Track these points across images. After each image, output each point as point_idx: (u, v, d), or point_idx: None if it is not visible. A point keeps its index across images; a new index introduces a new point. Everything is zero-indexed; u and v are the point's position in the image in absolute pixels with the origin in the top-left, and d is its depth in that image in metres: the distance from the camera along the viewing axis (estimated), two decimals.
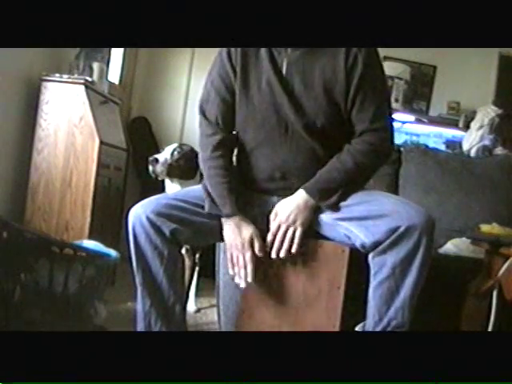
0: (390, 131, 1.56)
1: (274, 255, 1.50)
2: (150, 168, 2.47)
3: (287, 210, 1.50)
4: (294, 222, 1.50)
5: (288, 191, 1.54)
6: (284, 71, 1.53)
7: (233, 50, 1.56)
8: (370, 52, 1.52)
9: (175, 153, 2.50)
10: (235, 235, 1.51)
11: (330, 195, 1.50)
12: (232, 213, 1.51)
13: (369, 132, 1.52)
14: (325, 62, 1.51)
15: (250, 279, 1.51)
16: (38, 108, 2.70)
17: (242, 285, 1.52)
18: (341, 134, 1.54)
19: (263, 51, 1.55)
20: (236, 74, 1.56)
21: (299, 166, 1.54)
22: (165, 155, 2.49)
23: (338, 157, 1.52)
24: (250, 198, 1.59)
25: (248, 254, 1.51)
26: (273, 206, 1.55)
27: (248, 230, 1.51)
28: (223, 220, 1.54)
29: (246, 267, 1.51)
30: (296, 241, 1.49)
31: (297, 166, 1.54)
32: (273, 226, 1.51)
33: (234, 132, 1.63)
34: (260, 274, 1.55)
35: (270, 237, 1.51)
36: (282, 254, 1.50)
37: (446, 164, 2.74)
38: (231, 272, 1.54)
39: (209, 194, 1.54)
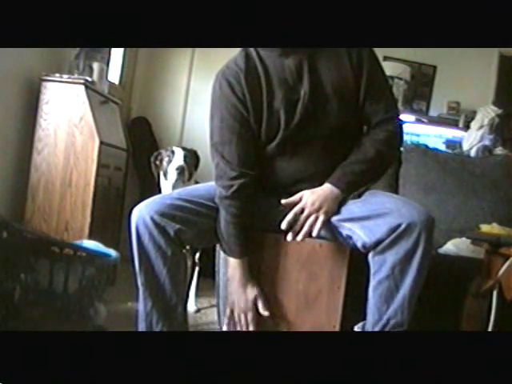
0: (400, 120, 1.59)
1: (290, 238, 1.47)
2: (177, 176, 2.60)
3: (314, 196, 1.48)
4: (319, 209, 1.47)
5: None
6: (291, 81, 1.51)
7: (232, 80, 1.52)
8: (371, 49, 1.55)
9: (187, 159, 2.65)
10: (239, 295, 1.55)
11: (356, 187, 1.52)
12: (239, 255, 1.53)
13: (385, 121, 1.55)
14: (329, 65, 1.52)
15: None
16: (38, 108, 2.70)
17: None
18: (353, 134, 1.57)
19: (264, 67, 1.52)
20: (246, 101, 1.51)
21: (317, 171, 1.54)
22: (178, 162, 2.61)
23: (358, 149, 1.54)
24: (265, 203, 1.57)
25: (251, 315, 1.55)
26: (289, 210, 1.51)
27: (253, 291, 1.55)
28: (230, 263, 1.55)
29: (247, 327, 1.55)
30: (316, 227, 1.46)
31: (314, 171, 1.54)
32: (296, 208, 1.48)
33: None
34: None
35: (290, 215, 1.47)
36: (299, 238, 1.47)
37: (446, 164, 2.74)
38: (231, 328, 1.56)
39: (222, 235, 1.53)
